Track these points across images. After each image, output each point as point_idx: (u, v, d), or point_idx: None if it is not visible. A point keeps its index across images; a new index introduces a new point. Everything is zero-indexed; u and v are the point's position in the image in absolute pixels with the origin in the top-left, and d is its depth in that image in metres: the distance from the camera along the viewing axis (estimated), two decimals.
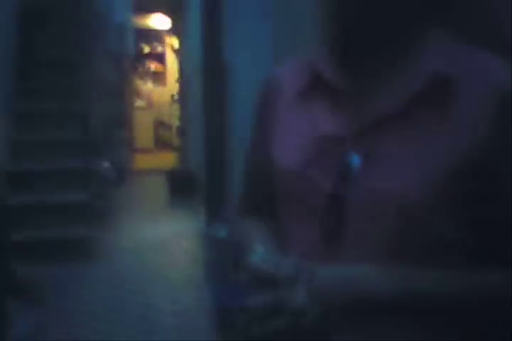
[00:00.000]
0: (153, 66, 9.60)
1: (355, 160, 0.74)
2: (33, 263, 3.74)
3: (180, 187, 5.80)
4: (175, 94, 8.31)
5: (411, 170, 0.71)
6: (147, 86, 9.46)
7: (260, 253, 0.74)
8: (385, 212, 0.72)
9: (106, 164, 5.03)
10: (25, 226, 4.01)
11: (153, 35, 9.30)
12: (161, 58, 9.55)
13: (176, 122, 8.55)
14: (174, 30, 7.69)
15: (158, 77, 9.56)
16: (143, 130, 8.85)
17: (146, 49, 9.52)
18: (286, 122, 0.84)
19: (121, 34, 6.91)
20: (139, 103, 9.10)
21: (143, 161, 7.91)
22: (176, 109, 8.33)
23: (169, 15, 7.61)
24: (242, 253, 0.74)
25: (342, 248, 0.75)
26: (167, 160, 7.45)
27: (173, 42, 8.33)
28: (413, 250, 0.73)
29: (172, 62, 9.00)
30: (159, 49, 9.55)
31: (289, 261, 0.71)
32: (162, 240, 4.53)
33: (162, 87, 9.46)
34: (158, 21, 8.76)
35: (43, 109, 4.59)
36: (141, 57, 9.34)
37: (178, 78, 7.60)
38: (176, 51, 8.02)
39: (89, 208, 4.21)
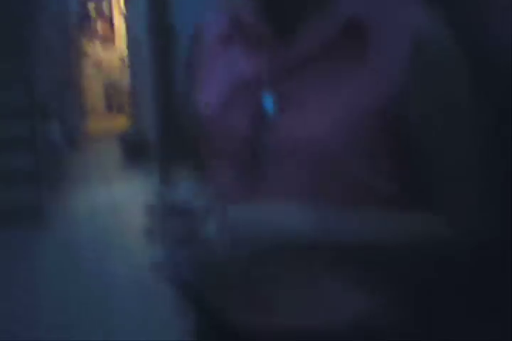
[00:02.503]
0: (100, 26, 9.30)
1: (270, 101, 0.75)
2: None
3: (133, 150, 5.73)
4: (124, 57, 8.11)
5: (326, 113, 0.72)
6: (95, 48, 9.19)
7: (179, 187, 0.74)
8: (300, 155, 0.73)
9: (54, 128, 4.91)
10: None
11: None
12: (108, 20, 9.25)
13: (126, 83, 8.37)
14: None
15: (107, 38, 9.28)
16: (93, 92, 8.64)
17: (93, 10, 9.19)
18: (209, 68, 0.85)
19: None
20: (88, 64, 8.85)
21: (94, 125, 7.75)
22: (125, 70, 8.13)
23: None
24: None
25: (260, 190, 0.76)
26: (119, 123, 7.32)
27: (120, 3, 8.07)
28: (331, 191, 0.74)
29: (120, 23, 8.73)
30: (106, 10, 9.24)
31: (203, 194, 0.72)
32: (116, 204, 4.50)
33: (111, 47, 9.20)
34: None
35: None
36: (87, 17, 9.03)
37: (126, 39, 7.39)
38: (123, 13, 7.78)
39: (39, 174, 4.13)
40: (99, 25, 9.31)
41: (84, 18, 8.84)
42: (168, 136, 3.96)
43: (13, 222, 3.83)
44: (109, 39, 9.28)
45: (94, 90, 8.71)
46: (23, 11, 4.62)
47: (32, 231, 3.86)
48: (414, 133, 0.73)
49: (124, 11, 7.54)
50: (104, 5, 9.20)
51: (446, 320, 0.87)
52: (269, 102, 0.75)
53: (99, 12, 9.27)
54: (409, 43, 0.70)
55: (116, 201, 4.59)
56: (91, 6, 9.16)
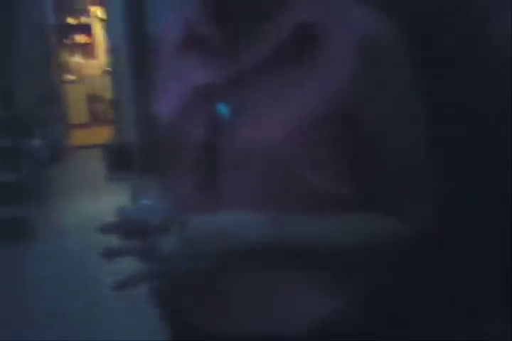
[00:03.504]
0: (79, 38, 9.26)
1: (225, 109, 0.75)
2: None
3: (118, 161, 5.69)
4: (105, 66, 8.09)
5: (280, 119, 0.73)
6: (76, 59, 9.15)
7: (138, 203, 0.75)
8: (256, 161, 0.73)
9: (36, 142, 4.88)
10: None
11: (78, 6, 8.95)
12: (87, 30, 9.22)
13: (108, 95, 8.34)
14: (99, 0, 7.42)
15: (87, 50, 9.25)
16: (76, 105, 8.58)
17: (71, 20, 9.16)
18: (166, 76, 0.86)
19: (40, 4, 6.62)
20: (69, 77, 8.80)
21: (78, 137, 7.70)
22: (108, 82, 8.11)
23: None
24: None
25: (217, 198, 0.76)
26: (103, 134, 7.28)
27: (99, 12, 8.06)
28: (288, 198, 0.75)
29: (99, 33, 8.71)
30: (85, 20, 9.20)
31: (160, 209, 0.73)
32: (102, 216, 4.46)
33: (91, 59, 9.17)
34: None
35: None
36: (66, 30, 8.99)
37: (107, 50, 7.38)
38: (102, 22, 7.77)
39: (22, 188, 4.10)
40: (79, 37, 9.28)
41: (64, 30, 8.80)
42: (147, 147, 3.94)
43: None
44: (89, 51, 9.25)
45: (76, 102, 8.66)
46: (2, 24, 4.60)
47: (18, 244, 3.83)
48: (367, 133, 0.75)
49: (103, 21, 7.53)
50: (84, 16, 9.18)
51: (413, 320, 0.89)
52: (223, 109, 0.75)
53: (78, 24, 9.24)
54: (356, 45, 0.72)
55: (102, 212, 4.56)
56: (70, 17, 9.13)
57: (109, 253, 0.71)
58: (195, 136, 0.77)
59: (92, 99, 9.03)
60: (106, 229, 0.73)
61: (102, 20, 7.78)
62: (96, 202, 4.90)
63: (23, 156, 4.35)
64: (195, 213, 0.73)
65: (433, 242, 0.81)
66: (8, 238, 3.84)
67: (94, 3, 8.37)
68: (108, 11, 6.87)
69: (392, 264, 0.82)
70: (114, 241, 0.75)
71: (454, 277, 0.87)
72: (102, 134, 7.27)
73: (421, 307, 0.92)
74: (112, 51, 6.80)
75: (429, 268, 0.87)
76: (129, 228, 0.72)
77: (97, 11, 8.31)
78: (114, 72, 7.13)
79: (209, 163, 0.76)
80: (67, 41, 9.13)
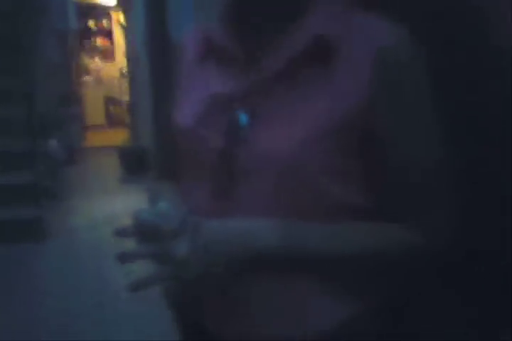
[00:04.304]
0: (100, 42, 9.37)
1: (242, 118, 0.77)
2: None
3: (133, 163, 5.74)
4: (123, 69, 8.16)
5: (295, 128, 0.74)
6: (95, 62, 9.24)
7: (153, 207, 0.76)
8: (272, 169, 0.74)
9: (54, 142, 4.94)
10: None
11: (100, 11, 9.06)
12: (108, 34, 9.33)
13: (126, 98, 8.41)
14: (121, 5, 7.50)
15: (106, 53, 9.34)
16: (93, 107, 8.67)
17: (93, 24, 9.26)
18: (185, 85, 0.89)
19: (64, 9, 6.71)
20: (88, 79, 8.89)
21: (94, 138, 7.77)
22: (125, 85, 8.18)
23: None
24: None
25: (233, 204, 0.77)
26: (119, 136, 7.33)
27: (120, 17, 8.14)
28: (302, 207, 0.75)
29: (120, 37, 8.80)
30: (106, 24, 9.31)
31: (175, 213, 0.74)
32: (116, 217, 4.50)
33: (110, 63, 9.26)
34: None
35: None
36: (87, 33, 9.09)
37: (126, 54, 7.45)
38: (122, 26, 7.85)
39: (38, 188, 4.15)
40: (100, 41, 9.38)
41: (85, 33, 8.90)
42: (162, 151, 3.96)
43: (14, 236, 3.85)
44: (109, 54, 9.34)
45: (94, 104, 8.74)
46: (23, 28, 4.67)
47: (32, 244, 3.87)
48: (381, 142, 0.75)
49: (124, 27, 7.60)
50: (104, 21, 9.28)
51: (425, 326, 0.88)
52: (241, 118, 0.77)
53: (100, 28, 9.35)
54: (372, 56, 0.73)
55: (116, 214, 4.60)
56: (91, 22, 9.24)
57: (124, 257, 0.73)
58: (212, 144, 0.78)
59: (109, 101, 9.11)
60: (121, 233, 0.75)
61: (122, 24, 7.85)
62: (110, 203, 4.94)
63: (39, 156, 4.40)
64: (210, 219, 0.74)
65: (447, 253, 0.80)
66: (23, 238, 3.87)
67: (115, 8, 8.45)
68: (129, 16, 6.94)
69: (405, 274, 0.81)
70: (126, 243, 0.76)
71: (467, 287, 0.87)
72: (118, 136, 7.32)
73: (432, 316, 0.91)
74: (131, 55, 6.86)
75: (442, 277, 0.87)
76: (144, 232, 0.73)
77: (118, 16, 8.39)
78: (131, 75, 7.19)
79: (225, 170, 0.77)
80: (87, 44, 9.24)
